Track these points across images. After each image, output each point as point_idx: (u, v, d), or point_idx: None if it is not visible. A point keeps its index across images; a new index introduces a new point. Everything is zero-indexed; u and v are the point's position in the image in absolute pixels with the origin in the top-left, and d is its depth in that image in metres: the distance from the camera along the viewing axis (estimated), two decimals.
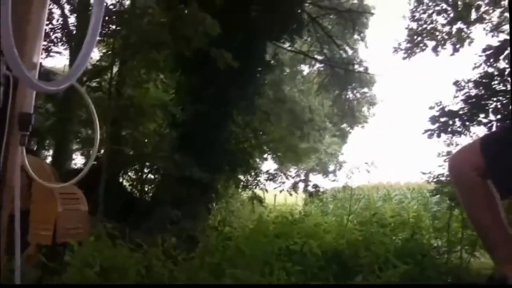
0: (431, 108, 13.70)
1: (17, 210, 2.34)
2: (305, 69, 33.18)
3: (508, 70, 12.95)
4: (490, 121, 12.76)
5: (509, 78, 12.87)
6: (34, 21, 2.32)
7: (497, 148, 2.54)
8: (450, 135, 13.48)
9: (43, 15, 2.42)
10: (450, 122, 13.36)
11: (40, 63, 2.39)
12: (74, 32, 18.20)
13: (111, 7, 14.80)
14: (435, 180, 13.83)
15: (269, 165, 24.80)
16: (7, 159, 2.21)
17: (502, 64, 13.20)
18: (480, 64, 13.49)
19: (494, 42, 14.80)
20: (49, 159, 18.11)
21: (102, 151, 13.93)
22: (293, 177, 23.74)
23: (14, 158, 2.26)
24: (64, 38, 18.06)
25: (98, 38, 2.20)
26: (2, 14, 1.85)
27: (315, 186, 21.68)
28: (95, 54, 17.56)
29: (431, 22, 20.02)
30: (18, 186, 2.33)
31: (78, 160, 20.10)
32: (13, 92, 2.18)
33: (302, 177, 35.21)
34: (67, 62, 18.83)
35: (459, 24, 19.23)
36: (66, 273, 6.58)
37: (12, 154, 2.24)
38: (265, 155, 22.30)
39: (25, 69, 1.95)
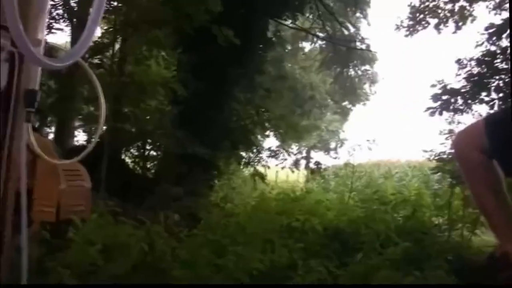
0: (433, 86, 13.67)
1: (23, 189, 2.35)
2: (307, 46, 33.14)
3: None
4: (492, 99, 12.75)
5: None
6: None
7: (501, 128, 2.56)
8: (452, 113, 13.48)
9: None
10: (452, 100, 13.34)
11: (45, 39, 2.38)
12: (76, 8, 18.17)
13: None
14: (436, 158, 13.82)
15: (271, 142, 24.82)
16: (13, 136, 2.21)
17: (505, 42, 13.15)
18: (483, 42, 13.44)
19: (497, 20, 14.71)
20: (51, 136, 18.12)
21: (104, 128, 13.93)
22: (295, 154, 23.69)
23: (20, 135, 2.26)
24: (65, 15, 18.00)
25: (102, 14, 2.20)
26: None
27: (317, 163, 21.65)
28: (97, 31, 17.51)
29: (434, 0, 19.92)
30: (24, 163, 2.34)
31: (80, 137, 20.12)
32: (19, 68, 2.18)
33: (304, 154, 35.29)
34: (68, 38, 18.81)
35: (462, 2, 19.13)
36: (69, 250, 6.60)
37: (18, 131, 2.25)
38: (267, 132, 22.27)
39: (30, 46, 1.95)
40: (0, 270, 2.27)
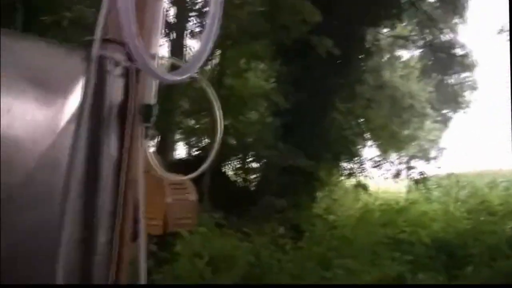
0: None
1: (142, 205, 2.36)
2: (405, 54, 32.69)
3: None
4: None
5: None
6: (151, 11, 2.30)
7: None
8: None
9: (160, 5, 2.40)
10: None
11: (159, 54, 2.37)
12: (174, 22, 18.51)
13: None
14: None
15: (369, 152, 24.50)
16: (131, 151, 2.20)
17: None
18: None
19: None
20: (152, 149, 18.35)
21: (208, 141, 14.00)
22: (397, 164, 23.37)
23: (137, 151, 2.25)
24: (164, 29, 18.24)
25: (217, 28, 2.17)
26: (124, 5, 1.83)
27: (421, 173, 21.18)
28: (195, 44, 17.71)
29: None
30: (142, 179, 2.34)
31: (180, 151, 20.33)
32: (135, 83, 2.17)
33: (404, 164, 34.74)
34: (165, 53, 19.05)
35: None
36: (176, 263, 6.65)
37: (135, 147, 2.23)
38: (368, 143, 22.03)
39: (149, 60, 1.93)
40: (122, 273, 2.30)
